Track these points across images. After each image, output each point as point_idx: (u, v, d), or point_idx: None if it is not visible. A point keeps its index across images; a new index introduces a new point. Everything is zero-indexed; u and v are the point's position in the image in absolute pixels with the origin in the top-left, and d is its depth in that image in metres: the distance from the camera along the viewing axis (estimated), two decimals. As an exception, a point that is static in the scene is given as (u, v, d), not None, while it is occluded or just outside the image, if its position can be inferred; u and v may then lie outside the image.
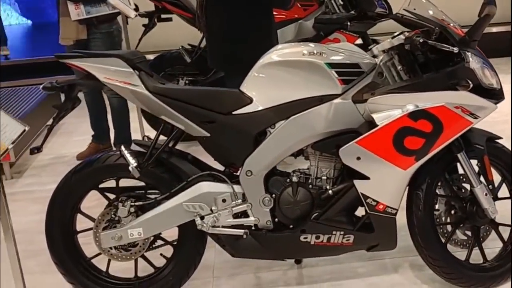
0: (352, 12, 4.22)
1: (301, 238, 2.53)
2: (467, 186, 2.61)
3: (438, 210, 2.63)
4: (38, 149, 2.66)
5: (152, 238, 2.64)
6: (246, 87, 2.52)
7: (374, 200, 2.47)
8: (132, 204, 2.56)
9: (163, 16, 4.82)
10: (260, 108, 2.48)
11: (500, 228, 2.68)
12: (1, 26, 7.09)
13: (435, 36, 2.45)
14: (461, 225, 2.64)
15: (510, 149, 2.66)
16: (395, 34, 2.51)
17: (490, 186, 2.56)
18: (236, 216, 2.55)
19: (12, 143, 2.15)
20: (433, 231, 2.57)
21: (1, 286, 2.83)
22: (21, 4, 10.00)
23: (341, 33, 4.27)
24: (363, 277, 2.82)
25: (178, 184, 2.54)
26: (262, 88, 2.50)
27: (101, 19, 4.13)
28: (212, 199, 2.52)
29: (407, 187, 2.56)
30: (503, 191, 2.67)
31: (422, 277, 2.77)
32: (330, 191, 2.51)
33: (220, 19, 3.33)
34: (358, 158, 2.41)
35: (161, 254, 2.71)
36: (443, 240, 2.61)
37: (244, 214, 2.55)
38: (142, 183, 2.64)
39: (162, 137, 2.59)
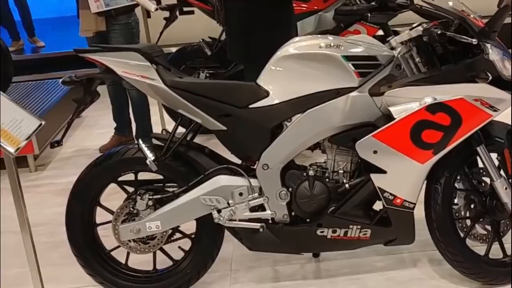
0: (373, 3, 4.16)
1: (318, 232, 2.53)
2: (487, 180, 2.57)
3: (457, 204, 2.60)
4: (58, 143, 2.70)
5: (170, 231, 2.66)
6: (263, 80, 2.51)
7: (391, 194, 2.45)
8: (150, 197, 2.58)
9: (185, 9, 4.83)
10: (277, 101, 2.47)
11: (521, 222, 2.64)
12: (29, 17, 7.16)
13: (454, 28, 2.42)
14: (481, 220, 2.61)
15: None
16: (414, 25, 2.48)
17: (510, 180, 2.52)
18: (252, 209, 2.55)
19: (27, 138, 2.16)
20: (452, 225, 2.54)
21: (18, 278, 2.89)
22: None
23: (361, 24, 4.23)
24: (381, 271, 2.80)
25: (196, 177, 2.55)
26: (278, 81, 2.49)
27: (119, 11, 4.16)
28: (229, 193, 2.52)
29: (425, 181, 2.53)
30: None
31: (440, 271, 2.74)
32: (347, 185, 2.50)
33: (238, 11, 3.32)
34: (375, 152, 2.39)
35: (179, 247, 2.73)
36: (462, 235, 2.58)
37: (261, 208, 2.56)
38: (161, 176, 2.66)
39: (181, 130, 2.60)
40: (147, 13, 4.83)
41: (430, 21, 2.49)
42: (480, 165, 2.56)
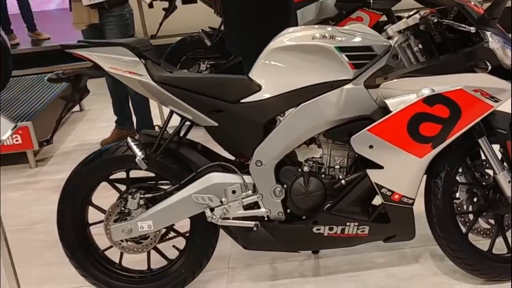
0: (375, -12, 4.07)
1: (314, 229, 2.45)
2: (491, 172, 2.47)
3: (458, 198, 2.50)
4: (48, 142, 2.64)
5: (164, 230, 2.60)
6: (255, 74, 2.43)
7: (389, 190, 2.36)
8: (142, 196, 2.52)
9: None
10: (269, 95, 2.39)
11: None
12: (28, 10, 7.08)
13: (453, 15, 2.31)
14: (484, 214, 2.51)
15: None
16: (411, 13, 2.38)
17: (513, 173, 2.42)
18: (246, 207, 2.48)
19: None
20: (453, 221, 2.45)
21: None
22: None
23: (364, 11, 4.13)
24: (382, 268, 2.72)
25: (188, 175, 2.48)
26: (270, 75, 2.41)
27: (111, 3, 4.08)
28: (222, 191, 2.45)
29: (425, 175, 2.44)
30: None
31: (443, 267, 2.66)
32: (343, 181, 2.42)
33: (236, 2, 3.23)
34: (371, 147, 2.30)
35: (173, 246, 2.66)
36: (464, 230, 2.49)
37: (255, 206, 2.48)
38: (153, 174, 2.59)
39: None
40: (150, 4, 4.76)
41: (430, 8, 2.38)
42: (483, 157, 2.46)
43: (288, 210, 2.49)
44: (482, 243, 2.54)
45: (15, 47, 6.92)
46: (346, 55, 2.32)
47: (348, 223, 2.44)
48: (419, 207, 2.48)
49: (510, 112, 2.48)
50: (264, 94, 2.39)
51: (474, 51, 2.25)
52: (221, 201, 2.45)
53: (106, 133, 4.74)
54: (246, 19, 3.21)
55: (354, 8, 4.13)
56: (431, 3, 2.39)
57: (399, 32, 2.38)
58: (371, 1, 4.06)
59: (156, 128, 2.65)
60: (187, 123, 2.54)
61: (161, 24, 4.67)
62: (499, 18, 2.28)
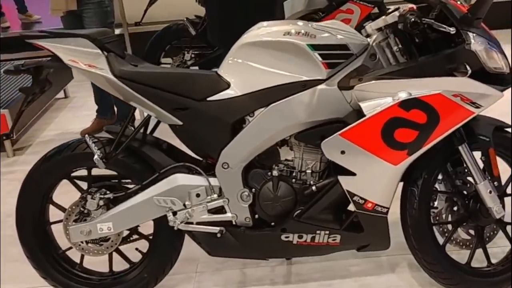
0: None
1: (282, 237, 2.31)
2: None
3: (436, 208, 2.36)
4: (8, 136, 2.52)
5: (126, 232, 2.47)
6: (224, 70, 2.28)
7: (361, 198, 2.22)
8: (102, 196, 2.38)
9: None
10: (238, 93, 2.24)
11: (509, 227, 2.40)
12: None
13: (436, 13, 2.16)
14: (464, 224, 2.37)
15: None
16: (390, 10, 2.22)
17: (495, 183, 2.27)
18: (211, 212, 2.34)
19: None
20: (430, 232, 2.31)
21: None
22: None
23: (354, 3, 3.97)
24: (356, 277, 2.59)
25: (151, 175, 2.35)
26: (240, 72, 2.26)
27: None
28: (185, 193, 2.32)
29: (402, 182, 2.30)
30: (514, 187, 2.38)
31: (420, 278, 2.52)
32: (314, 187, 2.28)
33: (217, -9, 3.10)
34: (343, 152, 2.16)
35: (136, 249, 2.53)
36: (441, 241, 2.35)
37: (221, 210, 2.34)
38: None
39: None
40: None
41: (417, 3, 2.22)
42: (465, 164, 2.31)
43: (256, 216, 2.35)
44: (462, 255, 2.41)
45: (6, 30, 6.75)
46: (320, 54, 2.17)
47: (318, 231, 2.30)
48: (396, 213, 2.34)
49: (495, 117, 2.34)
50: (232, 92, 2.24)
51: (455, 53, 2.09)
52: (184, 205, 2.32)
53: (89, 122, 4.61)
54: (227, 11, 3.07)
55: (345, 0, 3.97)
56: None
57: (378, 30, 2.22)
58: (362, -8, 3.90)
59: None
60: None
61: (146, 10, 4.53)
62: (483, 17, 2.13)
